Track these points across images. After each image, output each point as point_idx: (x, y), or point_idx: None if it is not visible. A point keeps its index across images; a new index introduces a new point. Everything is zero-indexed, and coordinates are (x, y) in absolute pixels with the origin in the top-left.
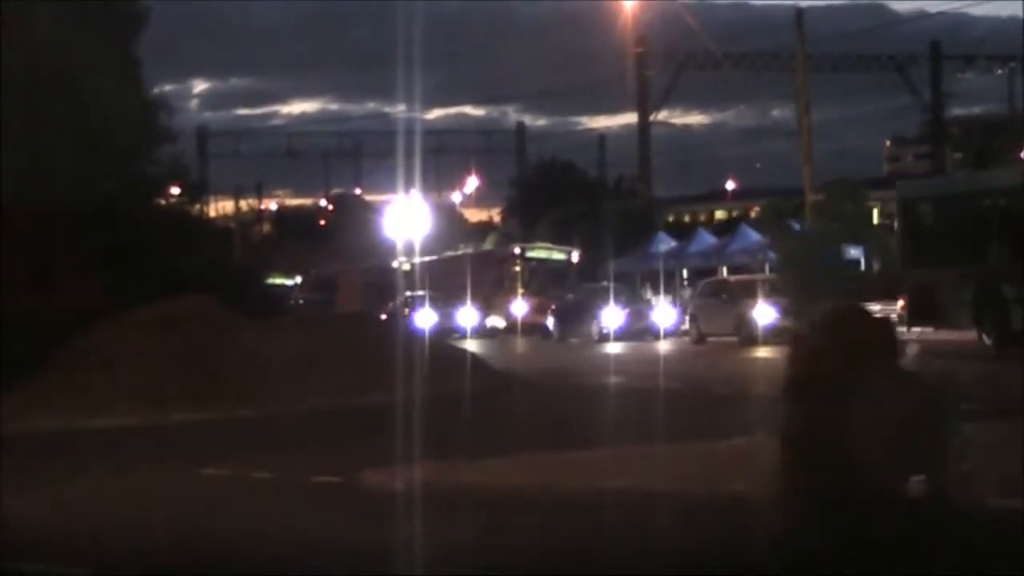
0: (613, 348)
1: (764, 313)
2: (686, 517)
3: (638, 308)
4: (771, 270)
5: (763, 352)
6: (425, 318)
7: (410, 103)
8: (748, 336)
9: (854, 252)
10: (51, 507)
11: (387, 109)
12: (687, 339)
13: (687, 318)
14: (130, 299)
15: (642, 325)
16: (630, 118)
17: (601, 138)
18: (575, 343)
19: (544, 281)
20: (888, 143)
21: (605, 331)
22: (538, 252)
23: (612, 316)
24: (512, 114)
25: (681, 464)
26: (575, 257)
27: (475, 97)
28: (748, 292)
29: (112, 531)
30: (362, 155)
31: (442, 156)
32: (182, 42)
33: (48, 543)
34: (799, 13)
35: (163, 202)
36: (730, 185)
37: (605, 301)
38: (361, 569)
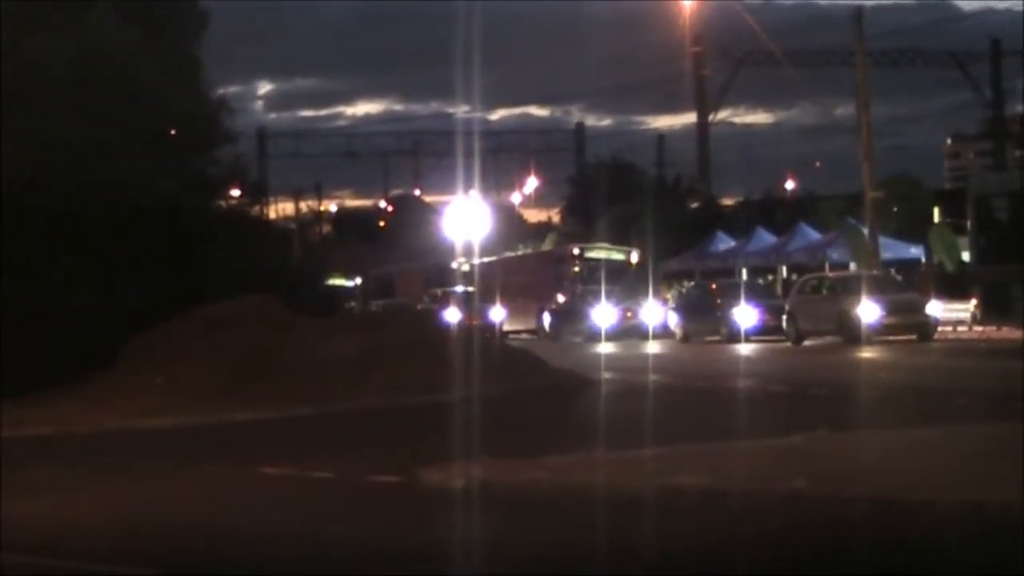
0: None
1: (869, 310)
2: (737, 514)
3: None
4: (830, 268)
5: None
6: (494, 315)
7: (470, 103)
8: (852, 335)
9: (914, 251)
10: (114, 507)
11: (450, 109)
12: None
13: (784, 317)
14: (191, 298)
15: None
16: (691, 117)
17: (660, 137)
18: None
19: (603, 281)
20: (949, 140)
21: (736, 329)
22: (597, 252)
23: (744, 314)
24: (576, 114)
25: (744, 462)
26: (635, 257)
27: (539, 97)
28: (851, 288)
29: (176, 531)
30: (421, 155)
31: (502, 156)
32: (247, 42)
33: (113, 543)
34: (858, 9)
35: (223, 203)
36: (789, 184)
37: (733, 298)
38: (419, 570)
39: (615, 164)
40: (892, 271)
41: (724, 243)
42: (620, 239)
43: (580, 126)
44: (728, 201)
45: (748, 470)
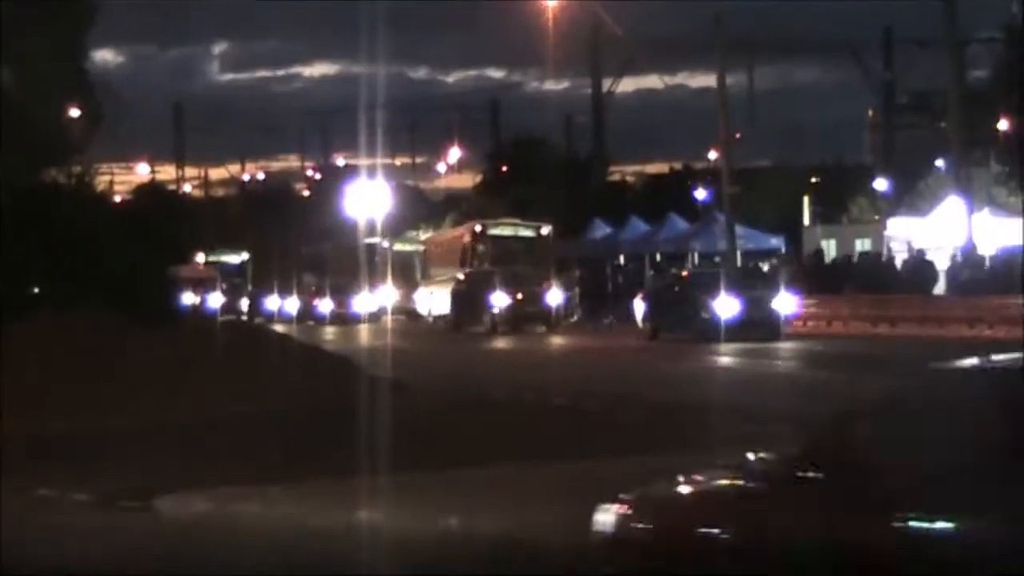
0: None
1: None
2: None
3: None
4: (697, 258)
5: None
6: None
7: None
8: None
9: (774, 241)
10: None
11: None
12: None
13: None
14: None
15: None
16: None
17: (567, 116)
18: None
19: (514, 259)
20: (870, 112)
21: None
22: (503, 229)
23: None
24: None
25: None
26: (545, 231)
27: (495, 59)
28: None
29: None
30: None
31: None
32: (201, 3)
33: None
34: (717, 16)
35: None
36: (712, 155)
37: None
38: None
39: (528, 139)
40: (768, 262)
41: (601, 230)
42: (525, 218)
43: (495, 101)
44: (656, 170)
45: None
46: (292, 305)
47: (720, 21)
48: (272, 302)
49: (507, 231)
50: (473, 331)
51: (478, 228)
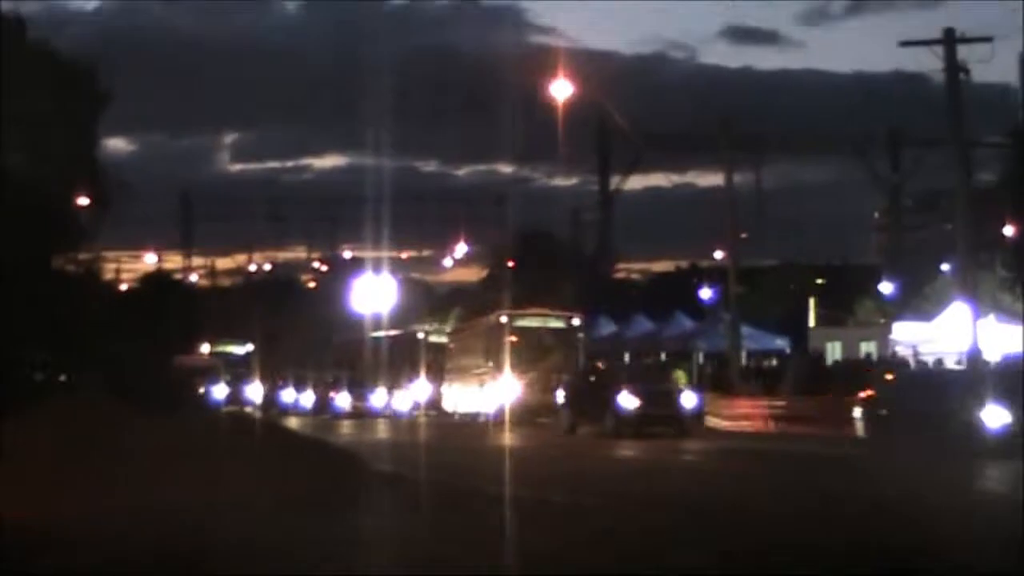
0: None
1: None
2: None
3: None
4: (703, 356)
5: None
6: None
7: (429, 161)
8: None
9: (779, 342)
10: None
11: (417, 164)
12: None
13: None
14: None
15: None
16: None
17: (575, 211)
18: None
19: (543, 352)
20: (876, 214)
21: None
22: (530, 320)
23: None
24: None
25: None
26: (575, 322)
27: (506, 154)
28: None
29: None
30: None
31: (442, 214)
32: (215, 93)
33: None
34: (726, 120)
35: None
36: (718, 254)
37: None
38: None
39: (534, 234)
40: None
41: (607, 327)
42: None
43: (501, 196)
44: (662, 267)
45: None
46: (308, 398)
47: (727, 122)
48: (287, 394)
49: (535, 322)
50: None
51: (504, 318)
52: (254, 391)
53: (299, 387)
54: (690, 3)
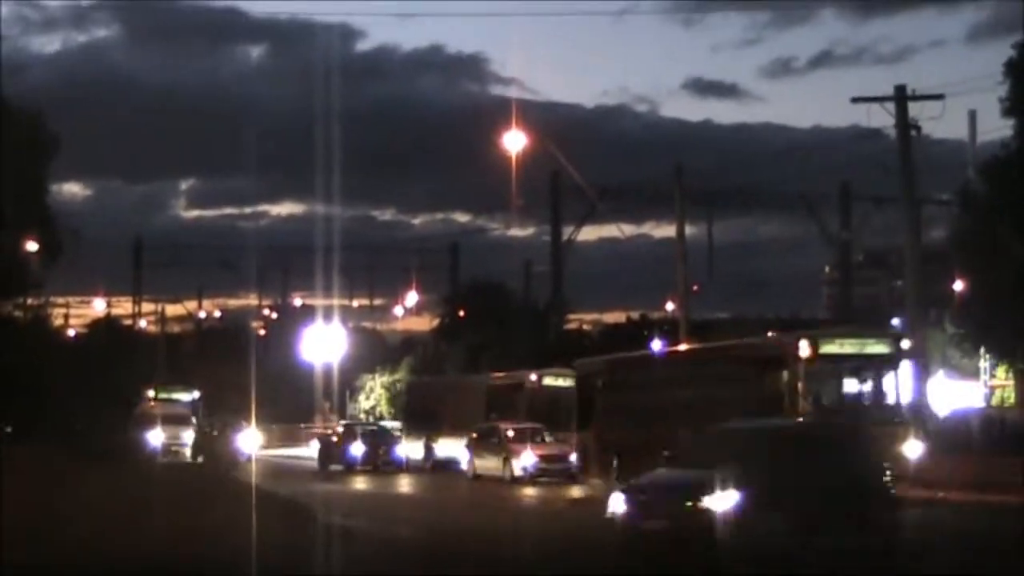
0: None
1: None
2: None
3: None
4: None
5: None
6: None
7: (328, 207)
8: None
9: None
10: None
11: (373, 213)
12: None
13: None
14: None
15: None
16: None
17: (527, 262)
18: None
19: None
20: (827, 268)
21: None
22: (556, 380)
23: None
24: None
25: None
26: (601, 383)
27: (462, 203)
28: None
29: None
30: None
31: (395, 263)
32: (174, 139)
33: None
34: (678, 166)
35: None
36: (670, 306)
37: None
38: None
39: (486, 285)
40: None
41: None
42: (473, 365)
43: (454, 246)
44: (614, 319)
45: None
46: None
47: (679, 174)
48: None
49: (562, 381)
50: None
51: (533, 377)
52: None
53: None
54: (656, 55)
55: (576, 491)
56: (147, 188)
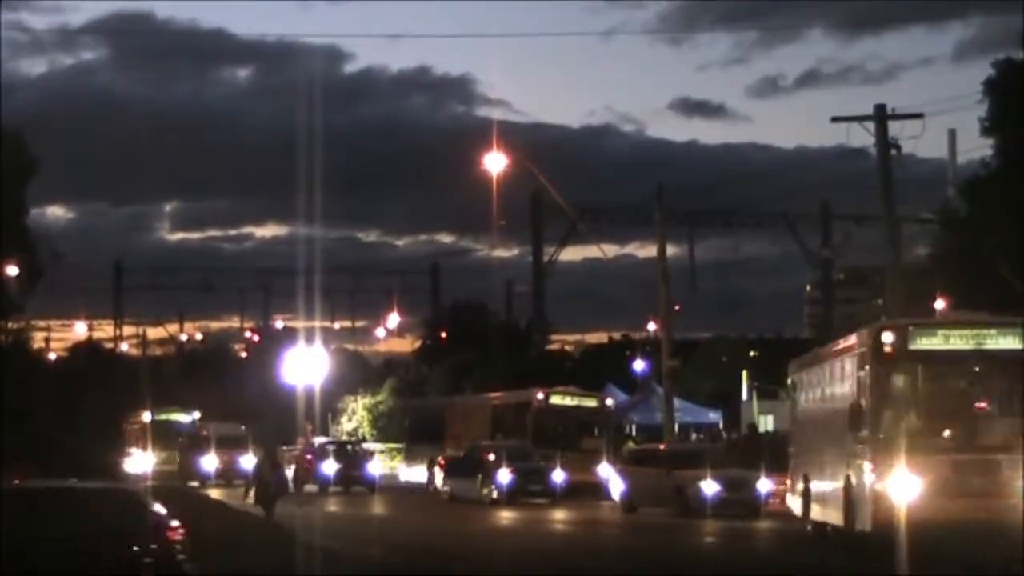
0: None
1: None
2: None
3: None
4: (635, 429)
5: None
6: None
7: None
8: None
9: (712, 415)
10: None
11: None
12: None
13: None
14: None
15: None
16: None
17: (508, 283)
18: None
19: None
20: (808, 288)
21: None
22: (564, 398)
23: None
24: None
25: None
26: (609, 403)
27: (446, 225)
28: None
29: None
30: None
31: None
32: (158, 161)
33: None
34: (659, 186)
35: None
36: (652, 326)
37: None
38: None
39: (468, 306)
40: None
41: None
42: (455, 386)
43: (435, 267)
44: (596, 339)
45: None
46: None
47: (661, 192)
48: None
49: (570, 400)
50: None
51: (540, 395)
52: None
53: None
54: (643, 75)
55: None
56: (132, 210)
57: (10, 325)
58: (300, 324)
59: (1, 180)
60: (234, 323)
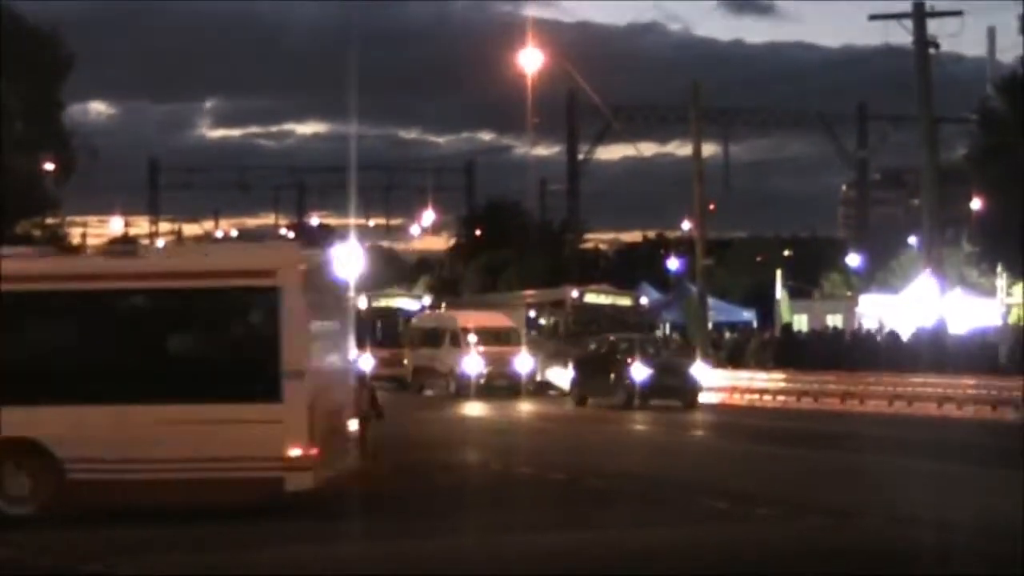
0: None
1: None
2: None
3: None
4: (669, 328)
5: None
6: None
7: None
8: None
9: (746, 314)
10: None
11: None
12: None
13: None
14: None
15: None
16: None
17: (542, 181)
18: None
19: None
20: (844, 187)
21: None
22: (598, 297)
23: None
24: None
25: None
26: (644, 301)
27: (487, 122)
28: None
29: None
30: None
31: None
32: (198, 59)
33: None
34: (695, 85)
35: None
36: (686, 225)
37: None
38: None
39: (502, 204)
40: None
41: None
42: (489, 284)
43: (470, 165)
44: (630, 238)
45: None
46: None
47: (697, 90)
48: None
49: (604, 299)
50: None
51: (574, 293)
52: None
53: None
54: None
55: None
56: (172, 108)
57: (47, 221)
58: (335, 221)
59: (37, 77)
60: (269, 220)
